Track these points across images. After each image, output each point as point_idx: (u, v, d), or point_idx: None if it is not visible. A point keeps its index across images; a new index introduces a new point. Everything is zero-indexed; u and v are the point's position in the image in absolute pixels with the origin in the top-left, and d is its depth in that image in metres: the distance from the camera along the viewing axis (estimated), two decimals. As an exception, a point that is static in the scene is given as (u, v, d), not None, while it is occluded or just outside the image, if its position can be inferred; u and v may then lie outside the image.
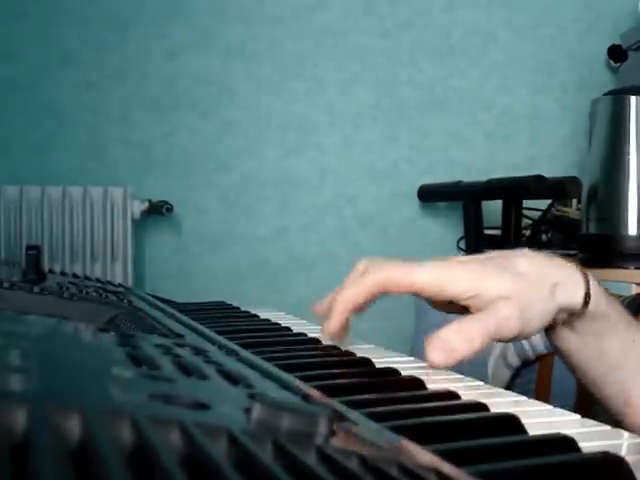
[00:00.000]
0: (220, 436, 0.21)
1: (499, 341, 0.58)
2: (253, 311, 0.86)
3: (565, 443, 0.34)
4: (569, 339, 0.63)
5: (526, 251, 0.61)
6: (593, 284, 0.60)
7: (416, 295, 0.59)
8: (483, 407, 0.41)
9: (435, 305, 0.63)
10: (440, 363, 0.53)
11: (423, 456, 0.26)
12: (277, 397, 0.32)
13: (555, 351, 0.67)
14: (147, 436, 0.19)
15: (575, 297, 0.59)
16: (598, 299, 0.60)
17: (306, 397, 0.34)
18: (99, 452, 0.18)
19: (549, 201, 2.19)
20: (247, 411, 0.24)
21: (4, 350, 0.28)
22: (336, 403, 0.35)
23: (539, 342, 1.52)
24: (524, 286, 0.56)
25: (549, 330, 0.64)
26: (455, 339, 0.53)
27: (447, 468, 0.24)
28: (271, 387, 0.36)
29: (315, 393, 0.36)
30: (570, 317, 0.61)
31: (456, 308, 0.60)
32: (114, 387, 0.24)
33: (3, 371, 0.24)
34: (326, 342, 0.63)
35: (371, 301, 0.59)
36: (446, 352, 0.53)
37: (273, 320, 0.79)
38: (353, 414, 0.33)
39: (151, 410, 0.22)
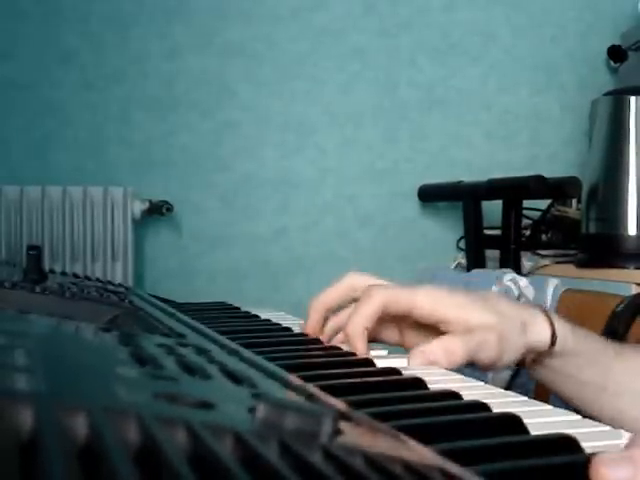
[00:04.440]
0: (226, 435, 0.21)
1: (477, 364, 0.63)
2: (253, 311, 0.86)
3: (568, 443, 0.34)
4: (542, 374, 0.70)
5: (494, 293, 0.68)
6: (559, 325, 0.66)
7: (407, 316, 0.64)
8: (485, 407, 0.41)
9: (406, 341, 0.67)
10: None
11: (427, 455, 0.26)
12: (281, 397, 0.33)
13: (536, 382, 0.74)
14: (154, 435, 0.19)
15: (542, 337, 0.65)
16: (565, 338, 0.66)
17: (310, 397, 0.34)
18: (106, 451, 0.18)
19: (549, 201, 2.19)
20: (251, 410, 0.24)
21: (9, 349, 0.28)
22: (339, 403, 0.35)
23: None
24: (502, 321, 0.63)
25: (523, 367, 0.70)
26: (437, 352, 0.59)
27: (451, 467, 0.24)
28: (274, 387, 0.36)
29: (318, 393, 0.36)
30: (539, 356, 0.67)
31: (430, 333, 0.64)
32: (120, 386, 0.24)
33: (9, 370, 0.24)
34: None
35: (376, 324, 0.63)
36: (427, 363, 0.58)
37: (274, 320, 0.79)
38: (356, 414, 0.33)
39: (157, 409, 0.22)
